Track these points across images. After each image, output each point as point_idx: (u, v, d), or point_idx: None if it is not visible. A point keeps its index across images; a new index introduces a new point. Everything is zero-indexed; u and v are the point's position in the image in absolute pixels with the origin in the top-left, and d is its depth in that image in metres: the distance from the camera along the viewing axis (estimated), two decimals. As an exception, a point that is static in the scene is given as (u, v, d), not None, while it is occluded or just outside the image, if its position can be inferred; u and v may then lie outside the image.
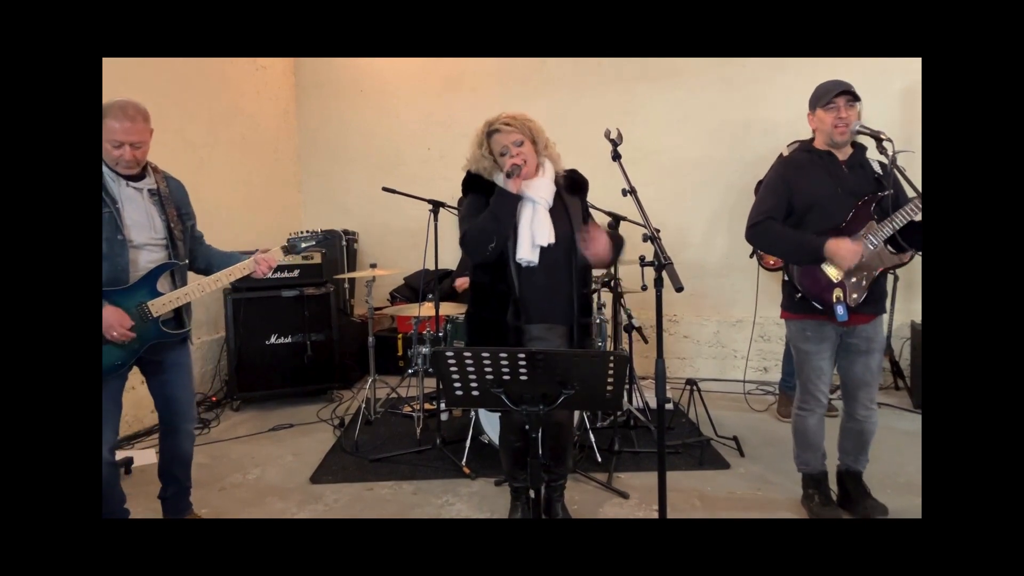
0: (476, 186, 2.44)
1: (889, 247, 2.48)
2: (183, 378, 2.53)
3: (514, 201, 2.32)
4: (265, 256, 2.54)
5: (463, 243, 2.36)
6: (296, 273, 4.40)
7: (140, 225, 2.33)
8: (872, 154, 2.60)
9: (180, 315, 2.45)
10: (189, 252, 2.52)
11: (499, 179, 2.38)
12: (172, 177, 2.52)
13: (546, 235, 2.33)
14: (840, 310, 2.46)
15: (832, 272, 2.49)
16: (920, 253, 2.49)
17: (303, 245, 2.68)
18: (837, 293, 2.48)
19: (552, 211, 2.38)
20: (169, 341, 2.42)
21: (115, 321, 2.22)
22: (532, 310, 2.35)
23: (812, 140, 2.58)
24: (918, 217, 2.41)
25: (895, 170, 2.44)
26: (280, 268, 4.03)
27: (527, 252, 2.32)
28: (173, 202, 2.44)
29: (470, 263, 2.55)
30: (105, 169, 2.28)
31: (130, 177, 2.33)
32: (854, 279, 2.48)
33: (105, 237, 2.23)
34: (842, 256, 2.42)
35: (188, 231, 2.51)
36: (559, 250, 2.36)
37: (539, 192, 2.36)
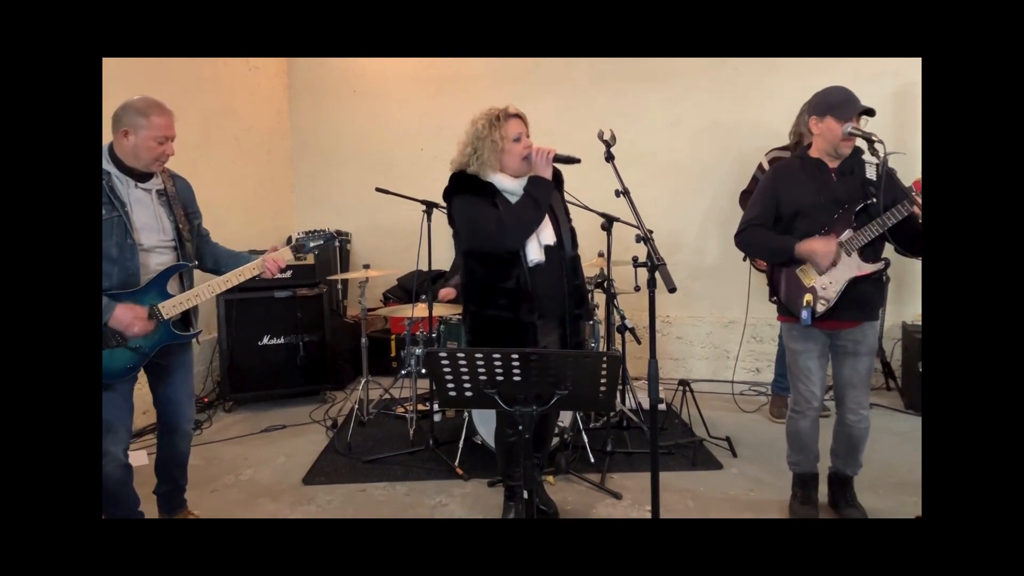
0: (470, 187, 2.41)
1: (863, 257, 2.48)
2: (185, 380, 2.56)
3: (550, 187, 2.39)
4: (274, 256, 2.52)
5: (500, 232, 2.32)
6: (289, 274, 4.35)
7: (149, 228, 2.32)
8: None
9: (188, 317, 2.46)
10: (197, 251, 2.54)
11: (497, 178, 2.39)
12: (178, 175, 2.52)
13: (550, 234, 2.43)
14: (805, 314, 2.50)
15: (806, 278, 2.53)
16: (918, 258, 2.50)
17: (311, 244, 2.66)
18: (807, 298, 2.51)
19: None
20: (179, 343, 2.42)
21: (132, 317, 2.24)
22: (542, 306, 2.41)
23: (797, 146, 2.58)
24: (892, 223, 2.40)
25: (886, 172, 2.42)
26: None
27: (536, 253, 2.39)
28: (180, 201, 2.45)
29: (463, 263, 2.53)
30: (113, 171, 2.27)
31: (139, 178, 2.32)
32: (823, 287, 2.50)
33: (115, 241, 2.22)
34: (816, 254, 2.45)
35: (195, 230, 2.53)
36: (555, 247, 2.44)
37: None
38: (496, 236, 2.33)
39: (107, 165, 2.27)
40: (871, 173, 2.49)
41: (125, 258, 2.24)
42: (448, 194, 2.45)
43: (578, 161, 2.38)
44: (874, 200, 2.43)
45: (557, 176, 2.54)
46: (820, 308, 2.49)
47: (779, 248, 2.55)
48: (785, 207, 2.57)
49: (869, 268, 2.48)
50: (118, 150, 2.28)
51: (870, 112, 2.46)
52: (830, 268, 2.48)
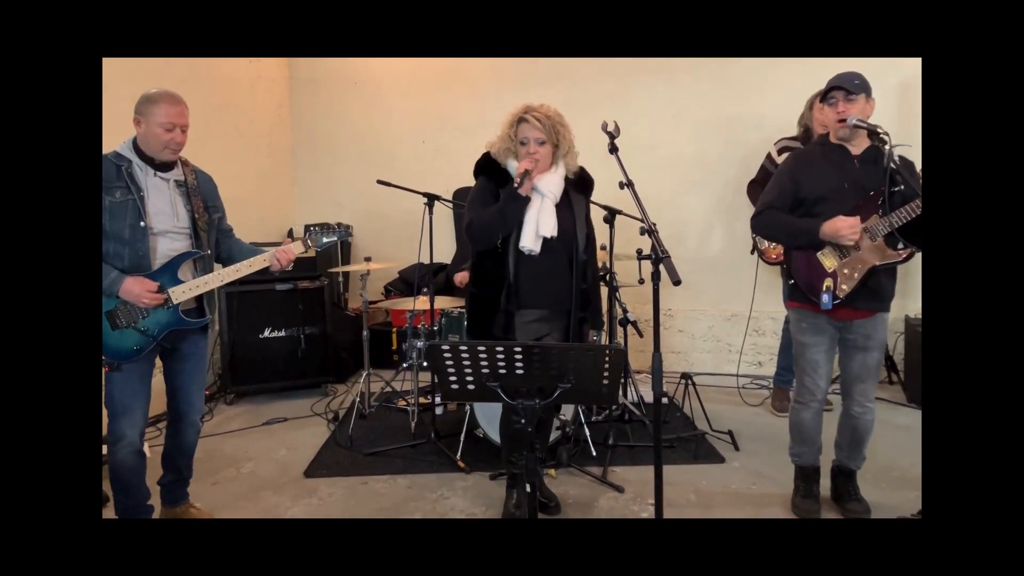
0: (489, 169, 2.52)
1: (888, 244, 2.46)
2: (197, 368, 2.56)
3: (524, 203, 2.40)
4: (284, 249, 2.56)
5: (468, 232, 2.46)
6: (290, 267, 4.36)
7: (162, 213, 2.37)
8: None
9: (202, 304, 2.48)
10: (215, 244, 2.57)
11: (511, 166, 2.48)
12: (202, 171, 2.57)
13: (550, 227, 2.42)
14: (825, 298, 2.47)
15: (827, 262, 2.50)
16: (918, 252, 2.47)
17: (324, 240, 2.66)
18: (828, 282, 2.48)
19: (558, 205, 2.48)
20: (188, 329, 2.45)
21: (140, 289, 2.28)
22: (524, 296, 2.45)
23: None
24: (918, 213, 2.38)
25: (892, 164, 2.41)
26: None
27: (530, 241, 2.41)
28: (200, 195, 2.49)
29: (470, 254, 2.59)
30: (135, 159, 2.34)
31: (159, 167, 2.38)
32: (846, 270, 2.47)
33: (128, 223, 2.28)
34: (842, 231, 2.40)
35: (214, 223, 2.55)
36: (560, 243, 2.47)
37: (548, 186, 2.46)
38: (468, 235, 2.47)
39: (129, 153, 2.35)
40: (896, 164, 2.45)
41: (136, 239, 2.30)
42: (475, 173, 2.58)
43: (527, 200, 2.42)
44: (901, 187, 2.40)
45: (586, 181, 2.61)
46: (841, 293, 2.46)
47: (802, 230, 2.51)
48: (807, 192, 2.54)
49: (895, 255, 2.46)
50: (138, 139, 2.36)
51: (845, 89, 2.43)
52: (854, 251, 2.45)
